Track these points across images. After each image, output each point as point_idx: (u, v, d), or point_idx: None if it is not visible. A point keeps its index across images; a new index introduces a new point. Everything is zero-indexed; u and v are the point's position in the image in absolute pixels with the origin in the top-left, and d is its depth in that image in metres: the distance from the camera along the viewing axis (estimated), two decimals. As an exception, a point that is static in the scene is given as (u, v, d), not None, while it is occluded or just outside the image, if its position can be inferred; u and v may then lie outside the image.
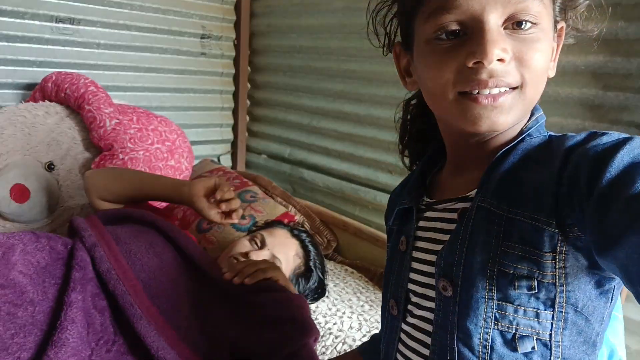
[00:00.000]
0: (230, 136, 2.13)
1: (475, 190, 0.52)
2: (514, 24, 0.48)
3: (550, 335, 0.47)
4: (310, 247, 1.13)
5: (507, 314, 0.48)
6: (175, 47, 1.85)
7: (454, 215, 0.54)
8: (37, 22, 1.53)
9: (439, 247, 0.54)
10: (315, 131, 1.78)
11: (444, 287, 0.52)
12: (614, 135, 0.45)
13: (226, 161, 2.12)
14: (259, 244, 1.08)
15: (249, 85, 2.08)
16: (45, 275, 0.82)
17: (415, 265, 0.59)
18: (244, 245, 1.09)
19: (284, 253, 1.07)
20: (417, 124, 0.68)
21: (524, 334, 0.48)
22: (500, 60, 0.47)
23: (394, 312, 0.61)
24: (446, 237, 0.54)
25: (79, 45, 1.63)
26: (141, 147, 1.47)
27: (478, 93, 0.49)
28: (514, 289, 0.47)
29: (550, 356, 0.48)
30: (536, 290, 0.47)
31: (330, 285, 1.19)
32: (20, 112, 1.39)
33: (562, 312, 0.47)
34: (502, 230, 0.48)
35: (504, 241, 0.48)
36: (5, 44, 1.50)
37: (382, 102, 1.52)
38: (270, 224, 1.20)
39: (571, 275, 0.46)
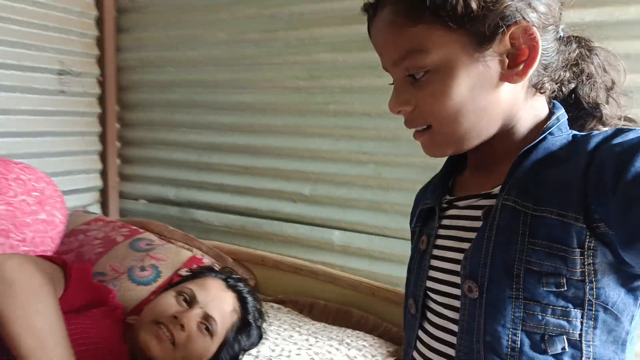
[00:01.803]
0: (99, 183, 1.88)
1: (499, 186, 0.53)
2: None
3: (580, 335, 0.47)
4: (249, 299, 1.01)
5: (535, 313, 0.48)
6: (28, 85, 1.58)
7: (478, 213, 0.54)
8: None
9: (462, 245, 0.54)
10: (205, 167, 1.68)
11: (469, 288, 0.51)
12: None
13: (96, 211, 1.86)
14: (189, 301, 0.93)
15: (118, 125, 1.88)
16: None
17: (435, 263, 0.58)
18: (170, 304, 0.92)
19: (219, 310, 0.94)
20: None
21: (553, 334, 0.47)
22: (402, 110, 0.55)
23: (413, 311, 0.60)
24: (470, 234, 0.54)
25: None
26: (2, 201, 1.21)
27: None
28: (542, 287, 0.47)
29: (581, 357, 0.47)
30: (565, 288, 0.47)
31: (263, 325, 1.10)
32: None
33: (592, 310, 0.47)
34: (528, 227, 0.49)
35: (531, 238, 0.48)
36: None
37: (280, 131, 1.51)
38: (198, 274, 1.04)
39: (600, 272, 0.47)
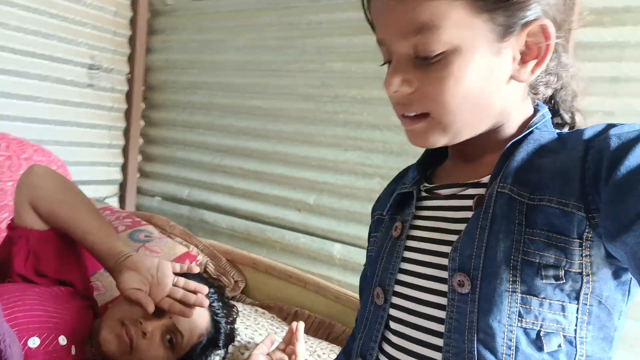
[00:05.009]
0: (119, 176, 1.93)
1: (489, 176, 0.51)
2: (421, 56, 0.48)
3: (575, 330, 0.45)
4: (223, 323, 0.94)
5: (532, 308, 0.45)
6: (58, 75, 1.66)
7: (466, 203, 0.52)
8: None
9: (446, 237, 0.51)
10: (218, 169, 1.69)
11: (460, 282, 0.48)
12: (636, 125, 0.45)
13: (112, 204, 1.90)
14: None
15: (142, 123, 1.93)
16: None
17: (408, 254, 0.54)
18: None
19: (190, 326, 0.88)
20: None
21: (550, 331, 0.45)
22: (400, 90, 0.49)
23: (379, 301, 0.55)
24: (456, 225, 0.51)
25: None
26: (9, 178, 1.25)
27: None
28: (541, 279, 0.45)
29: (576, 354, 0.45)
30: (563, 281, 0.45)
31: (240, 327, 1.07)
32: None
33: (586, 304, 0.46)
34: (525, 217, 0.46)
35: (528, 228, 0.46)
36: None
37: (290, 138, 1.50)
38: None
39: (595, 264, 0.45)
